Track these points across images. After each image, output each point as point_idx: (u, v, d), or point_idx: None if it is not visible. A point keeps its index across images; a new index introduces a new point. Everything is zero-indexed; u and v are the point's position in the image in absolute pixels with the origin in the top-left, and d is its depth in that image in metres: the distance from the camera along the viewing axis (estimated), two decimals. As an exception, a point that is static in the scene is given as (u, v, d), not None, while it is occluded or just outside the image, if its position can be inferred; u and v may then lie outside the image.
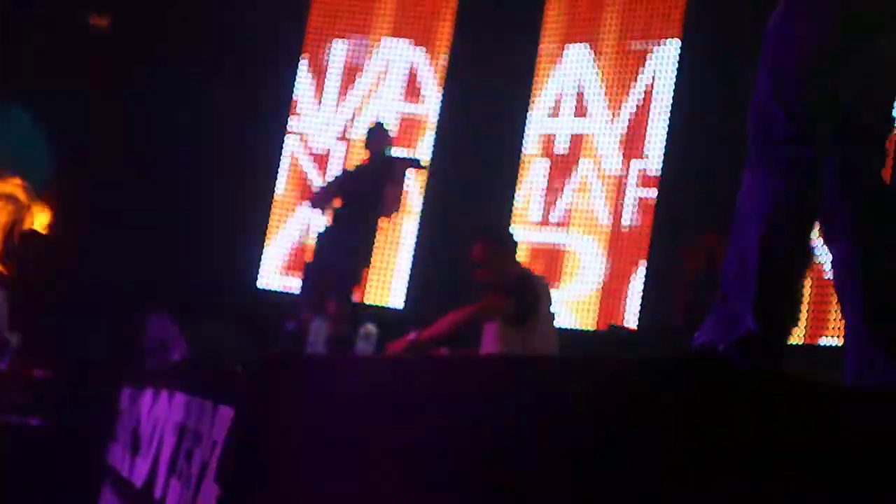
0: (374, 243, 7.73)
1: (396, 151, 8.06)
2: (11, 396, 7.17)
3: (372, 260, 7.91)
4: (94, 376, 7.82)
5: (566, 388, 1.65)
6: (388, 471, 2.09)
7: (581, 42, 9.06)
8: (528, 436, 1.64)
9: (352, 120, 9.57)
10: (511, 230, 6.24)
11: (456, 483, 1.83)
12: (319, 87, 9.70)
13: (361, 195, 7.58)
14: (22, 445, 7.30)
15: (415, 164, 8.27)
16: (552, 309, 5.66)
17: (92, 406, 7.08)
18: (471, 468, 1.79)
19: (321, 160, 9.62)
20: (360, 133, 8.85)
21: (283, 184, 9.64)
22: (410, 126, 9.46)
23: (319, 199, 7.88)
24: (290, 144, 9.66)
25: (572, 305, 8.53)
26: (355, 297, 7.79)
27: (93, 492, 5.72)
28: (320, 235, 7.83)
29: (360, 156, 8.29)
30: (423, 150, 9.32)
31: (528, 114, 9.15)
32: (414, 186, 9.17)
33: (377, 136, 7.75)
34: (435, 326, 5.41)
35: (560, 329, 5.73)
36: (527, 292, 5.49)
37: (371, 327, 5.60)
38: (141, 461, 4.35)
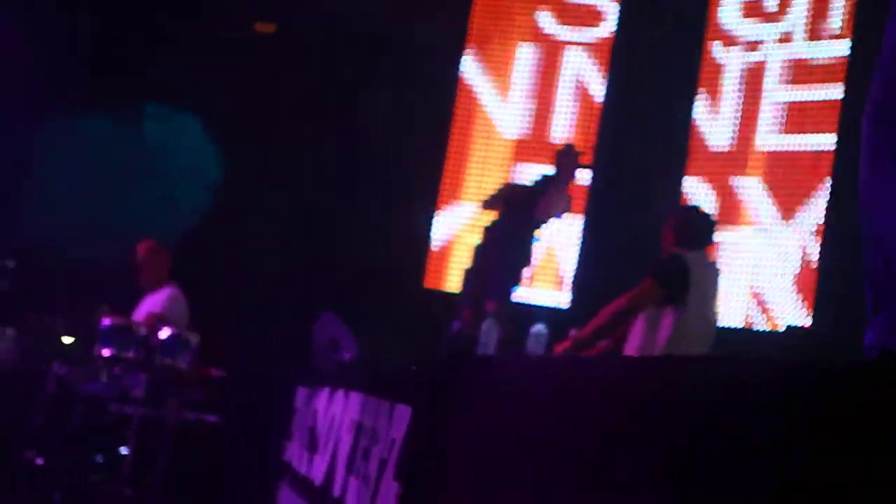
0: (531, 245, 7.76)
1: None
2: (190, 394, 7.43)
3: (535, 260, 7.93)
4: (269, 375, 8.06)
5: (741, 389, 1.63)
6: (563, 472, 2.11)
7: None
8: (701, 437, 1.64)
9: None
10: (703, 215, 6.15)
11: (633, 484, 1.84)
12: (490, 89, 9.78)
13: (525, 195, 7.64)
14: (200, 442, 7.57)
15: (580, 164, 8.25)
16: (713, 291, 5.61)
17: (267, 404, 7.30)
18: (642, 469, 1.80)
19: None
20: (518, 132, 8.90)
21: (446, 185, 9.75)
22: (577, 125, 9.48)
23: (488, 203, 7.99)
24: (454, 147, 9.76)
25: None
26: (519, 297, 7.84)
27: (270, 488, 5.90)
28: (486, 229, 7.91)
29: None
30: (588, 147, 9.30)
31: (693, 109, 9.05)
32: (579, 186, 9.14)
33: (567, 159, 7.77)
34: (593, 322, 5.44)
35: (734, 329, 5.66)
36: (674, 274, 5.45)
37: (541, 328, 5.64)
38: (319, 459, 4.47)
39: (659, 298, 5.42)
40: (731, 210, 8.73)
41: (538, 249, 7.93)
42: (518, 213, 7.59)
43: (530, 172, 8.81)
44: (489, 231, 7.81)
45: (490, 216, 7.92)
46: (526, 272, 7.89)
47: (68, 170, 10.01)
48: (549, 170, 7.90)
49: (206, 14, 9.91)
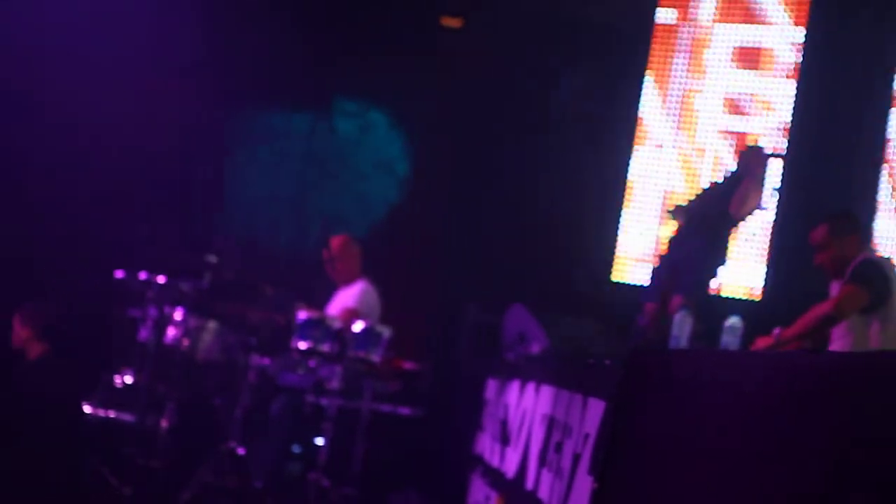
0: (727, 244, 7.60)
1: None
2: (384, 386, 7.57)
3: (728, 255, 7.76)
4: (460, 368, 8.14)
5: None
6: (758, 471, 2.06)
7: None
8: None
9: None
10: (857, 215, 5.98)
11: (835, 487, 1.78)
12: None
13: (718, 196, 7.50)
14: (393, 433, 7.70)
15: (770, 156, 8.04)
16: None
17: (458, 397, 7.37)
18: (846, 472, 1.74)
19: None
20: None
21: (636, 177, 9.63)
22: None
23: (679, 211, 7.86)
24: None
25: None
26: (712, 290, 7.69)
27: (462, 480, 5.95)
28: (673, 236, 7.78)
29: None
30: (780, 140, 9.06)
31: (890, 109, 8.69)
32: (771, 179, 8.91)
33: (755, 154, 7.61)
34: (797, 324, 5.32)
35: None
36: (877, 278, 5.29)
37: (736, 320, 5.53)
38: (511, 452, 4.49)
39: (865, 305, 5.26)
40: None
41: (732, 248, 7.75)
42: (713, 211, 7.44)
43: (720, 170, 8.62)
44: (681, 232, 7.67)
45: (680, 220, 7.79)
46: (720, 271, 7.73)
47: (262, 165, 10.32)
48: (736, 166, 7.72)
49: (392, 8, 10.06)
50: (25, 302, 7.26)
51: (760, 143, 7.90)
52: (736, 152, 7.78)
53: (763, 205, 7.53)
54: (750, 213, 7.58)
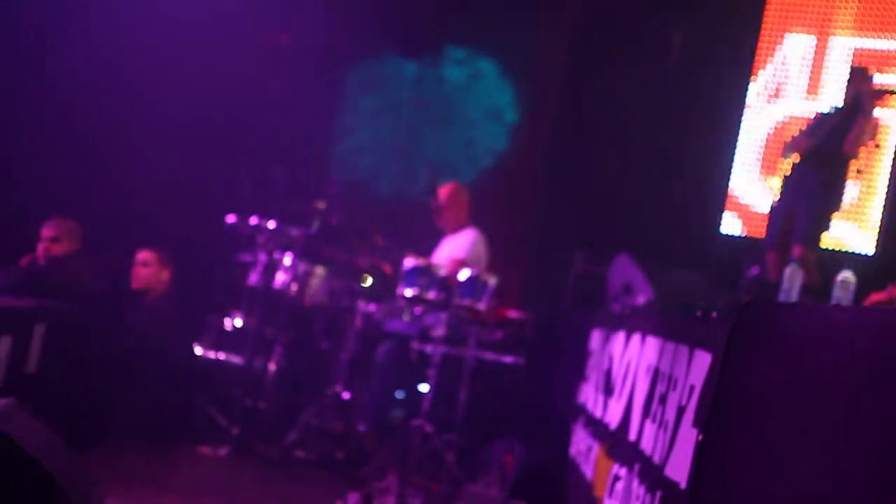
0: (843, 184, 7.38)
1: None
2: (489, 334, 7.59)
3: (845, 203, 7.55)
4: (565, 318, 8.11)
5: None
6: (867, 431, 2.01)
7: None
8: None
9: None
10: None
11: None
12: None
13: (829, 133, 7.27)
14: (498, 382, 7.72)
15: (884, 93, 7.69)
16: None
17: (562, 347, 7.35)
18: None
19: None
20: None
21: (746, 131, 9.46)
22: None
23: (789, 146, 7.63)
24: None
25: None
26: (825, 243, 7.51)
27: (565, 429, 5.95)
28: (786, 178, 7.61)
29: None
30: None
31: None
32: (888, 119, 8.58)
33: (864, 83, 7.34)
34: None
35: None
36: None
37: (849, 275, 5.39)
38: (614, 403, 4.46)
39: None
40: None
41: (849, 190, 7.51)
42: (826, 149, 7.22)
43: (820, 106, 8.34)
44: (794, 172, 7.48)
45: (793, 159, 7.57)
46: (837, 215, 7.51)
47: (371, 112, 10.37)
48: (847, 97, 7.41)
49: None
50: (151, 243, 7.47)
51: (865, 67, 7.58)
52: (849, 82, 7.47)
53: (863, 142, 7.23)
54: (862, 150, 7.33)
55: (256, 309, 7.63)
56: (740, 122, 9.43)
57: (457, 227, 7.90)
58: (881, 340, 2.09)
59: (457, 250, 7.70)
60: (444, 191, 7.97)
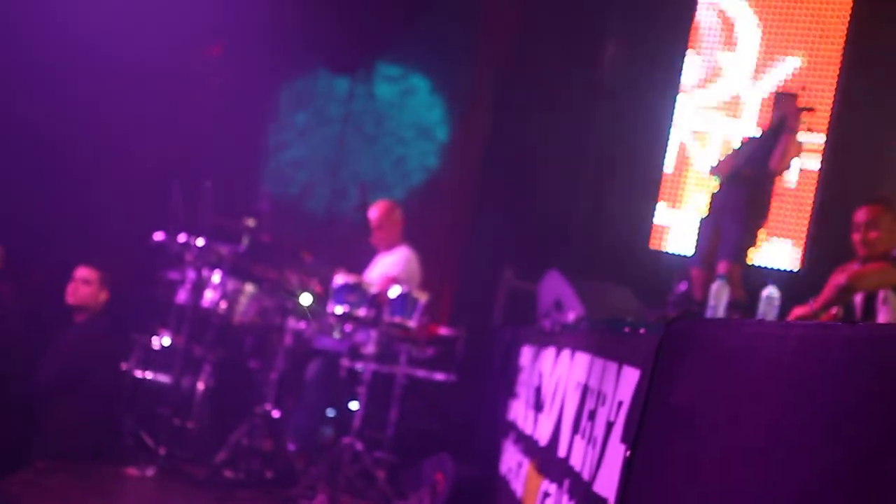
0: (768, 201, 7.50)
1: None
2: (419, 351, 7.56)
3: (768, 218, 7.67)
4: (495, 335, 8.12)
5: None
6: (793, 442, 2.03)
7: None
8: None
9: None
10: None
11: (878, 453, 1.75)
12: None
13: (754, 152, 7.40)
14: (428, 399, 7.70)
15: (807, 110, 7.84)
16: None
17: (493, 363, 7.36)
18: (883, 441, 1.71)
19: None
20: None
21: (673, 149, 9.57)
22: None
23: (715, 169, 7.75)
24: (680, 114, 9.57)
25: None
26: (751, 259, 7.62)
27: (495, 446, 5.95)
28: (713, 195, 7.70)
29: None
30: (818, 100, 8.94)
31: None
32: (808, 140, 8.73)
33: (781, 105, 7.49)
34: (824, 293, 5.31)
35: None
36: None
37: (773, 291, 5.47)
38: (544, 419, 4.47)
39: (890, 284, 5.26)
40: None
41: (773, 207, 7.65)
42: (752, 167, 7.34)
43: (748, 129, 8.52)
44: (721, 190, 7.59)
45: (720, 179, 7.68)
46: (762, 232, 7.65)
47: (302, 129, 10.32)
48: (773, 118, 7.58)
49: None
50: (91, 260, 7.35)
51: (795, 93, 7.74)
52: (771, 103, 7.66)
53: (789, 161, 7.40)
54: (788, 168, 7.49)
55: (185, 327, 7.53)
56: (668, 139, 9.53)
57: (389, 245, 7.90)
58: (803, 354, 2.11)
59: (390, 268, 7.68)
60: (376, 209, 7.95)
